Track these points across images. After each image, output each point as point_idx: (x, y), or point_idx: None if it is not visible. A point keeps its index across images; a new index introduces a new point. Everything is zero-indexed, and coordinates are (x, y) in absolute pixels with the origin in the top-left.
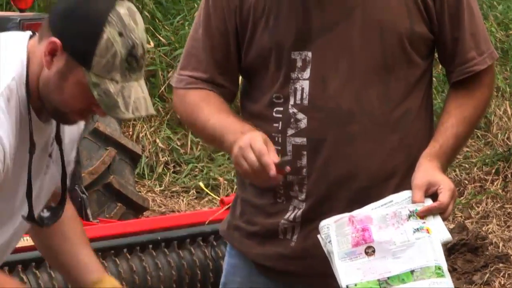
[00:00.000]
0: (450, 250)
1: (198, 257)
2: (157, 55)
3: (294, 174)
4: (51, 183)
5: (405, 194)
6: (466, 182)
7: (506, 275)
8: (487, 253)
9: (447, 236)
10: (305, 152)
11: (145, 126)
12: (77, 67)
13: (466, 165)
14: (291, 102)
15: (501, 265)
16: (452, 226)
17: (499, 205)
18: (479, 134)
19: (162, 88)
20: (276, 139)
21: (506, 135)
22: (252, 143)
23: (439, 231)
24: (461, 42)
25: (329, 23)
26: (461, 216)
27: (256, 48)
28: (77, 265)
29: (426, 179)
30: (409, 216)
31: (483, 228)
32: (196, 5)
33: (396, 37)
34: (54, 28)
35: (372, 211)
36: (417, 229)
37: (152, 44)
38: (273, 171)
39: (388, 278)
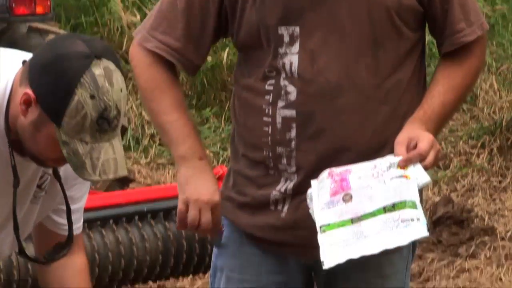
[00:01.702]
0: (435, 222)
1: None
2: None
3: (283, 146)
4: (40, 214)
5: (389, 156)
6: (452, 155)
7: (492, 248)
8: (472, 226)
9: (426, 179)
10: (294, 125)
11: (131, 99)
12: (49, 122)
13: (452, 139)
14: (283, 75)
15: (486, 238)
16: (437, 199)
17: (484, 178)
18: (465, 108)
19: None
20: (267, 111)
21: (492, 109)
22: (200, 213)
23: (417, 177)
24: (450, 13)
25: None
26: (446, 189)
27: (245, 26)
28: None
29: (407, 135)
30: (389, 167)
31: (469, 201)
32: None
33: (384, 11)
34: (31, 79)
35: (352, 165)
36: (396, 176)
37: (138, 17)
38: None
39: (361, 215)
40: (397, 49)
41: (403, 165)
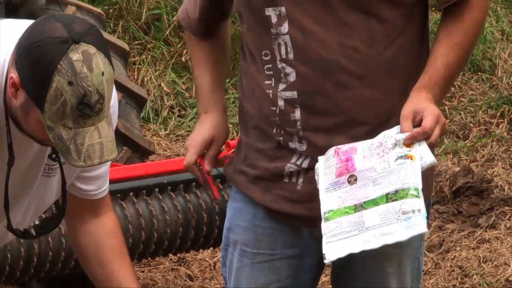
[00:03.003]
0: (455, 193)
1: (204, 200)
2: None
3: (290, 127)
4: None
5: (396, 128)
6: (471, 125)
7: None
8: (492, 196)
9: (430, 160)
10: (297, 105)
11: (150, 70)
12: (34, 107)
13: (471, 108)
14: (278, 57)
15: (506, 208)
16: (457, 169)
17: (504, 148)
18: (484, 77)
19: (167, 32)
20: (269, 94)
21: (511, 78)
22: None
23: (422, 157)
24: None
25: None
26: (466, 159)
27: (236, 6)
28: (111, 284)
29: (411, 108)
30: (395, 145)
31: (489, 171)
32: None
33: None
34: (16, 62)
35: (358, 142)
36: (400, 156)
37: None
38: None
39: (364, 202)
40: (392, 18)
41: (408, 143)
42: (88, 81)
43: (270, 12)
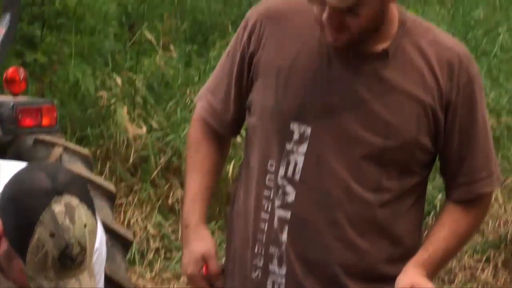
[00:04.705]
0: None
1: None
2: (150, 140)
3: (276, 246)
4: None
5: None
6: (457, 270)
7: None
8: None
9: None
10: (286, 227)
11: (136, 212)
12: (17, 256)
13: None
14: (281, 173)
15: None
16: None
17: None
18: None
19: (154, 174)
20: (266, 207)
21: (497, 222)
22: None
23: None
24: (469, 161)
25: (334, 107)
26: None
27: (259, 107)
28: None
29: (410, 280)
30: None
31: None
32: (188, 91)
33: (400, 142)
34: (0, 209)
35: None
36: None
37: (144, 129)
38: None
39: None
40: (401, 180)
41: None
42: (69, 233)
43: (295, 127)
